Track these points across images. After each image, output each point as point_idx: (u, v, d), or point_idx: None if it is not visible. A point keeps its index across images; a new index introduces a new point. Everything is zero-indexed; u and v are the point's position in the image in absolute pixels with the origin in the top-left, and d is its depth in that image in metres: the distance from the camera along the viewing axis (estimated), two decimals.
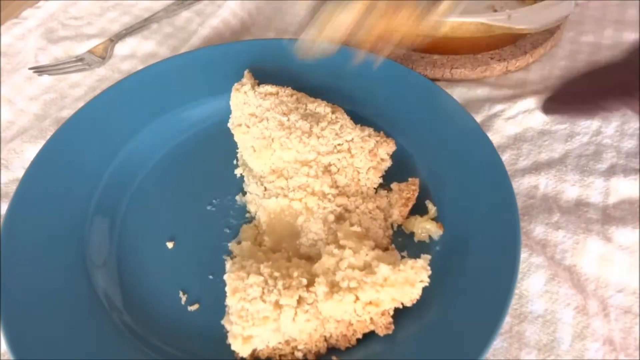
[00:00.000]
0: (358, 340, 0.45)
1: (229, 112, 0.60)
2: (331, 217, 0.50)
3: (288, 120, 0.55)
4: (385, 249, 0.50)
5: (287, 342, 0.44)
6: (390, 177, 0.55)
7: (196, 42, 0.75)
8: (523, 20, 0.61)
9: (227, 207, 0.55)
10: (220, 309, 0.47)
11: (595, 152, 0.62)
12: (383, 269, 0.43)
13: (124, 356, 0.44)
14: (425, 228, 0.51)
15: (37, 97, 0.70)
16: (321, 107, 0.57)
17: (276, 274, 0.45)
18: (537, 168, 0.60)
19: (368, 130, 0.55)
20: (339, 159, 0.53)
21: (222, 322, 0.45)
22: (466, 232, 0.49)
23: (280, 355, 0.44)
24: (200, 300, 0.49)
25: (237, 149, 0.59)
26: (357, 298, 0.43)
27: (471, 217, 0.50)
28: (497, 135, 0.63)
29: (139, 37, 0.77)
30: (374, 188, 0.54)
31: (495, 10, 0.75)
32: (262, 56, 0.65)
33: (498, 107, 0.66)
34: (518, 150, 0.62)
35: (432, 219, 0.52)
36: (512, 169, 0.60)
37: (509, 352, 0.46)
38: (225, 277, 0.45)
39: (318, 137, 0.54)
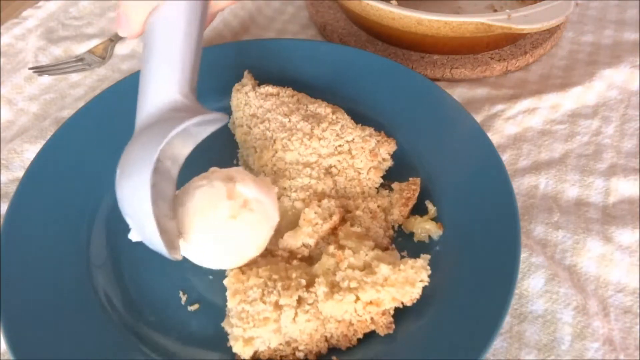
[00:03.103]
0: (359, 340, 0.45)
1: (229, 112, 0.60)
2: (335, 218, 0.50)
3: (289, 121, 0.55)
4: (386, 249, 0.50)
5: (288, 343, 0.44)
6: (391, 177, 0.55)
7: None
8: (523, 20, 0.61)
9: None
10: (220, 309, 0.47)
11: (595, 152, 0.62)
12: (383, 269, 0.43)
13: (124, 356, 0.44)
14: (425, 228, 0.51)
15: (37, 97, 0.70)
16: (322, 108, 0.57)
17: (275, 276, 0.45)
18: (537, 168, 0.60)
19: (369, 130, 0.56)
20: (339, 161, 0.54)
21: (223, 324, 0.45)
22: (466, 232, 0.49)
23: (281, 356, 0.44)
24: (200, 301, 0.49)
25: (238, 149, 0.59)
26: (358, 298, 0.43)
27: (471, 217, 0.50)
28: (497, 135, 0.63)
29: (139, 37, 0.77)
30: (375, 188, 0.54)
31: (495, 10, 0.76)
32: (262, 56, 0.65)
33: (498, 107, 0.66)
34: (518, 150, 0.62)
35: (432, 219, 0.52)
36: (512, 169, 0.60)
37: (509, 352, 0.46)
38: (225, 281, 0.45)
39: (319, 139, 0.54)
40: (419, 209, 0.53)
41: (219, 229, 0.44)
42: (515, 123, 0.64)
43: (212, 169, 0.48)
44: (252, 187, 0.45)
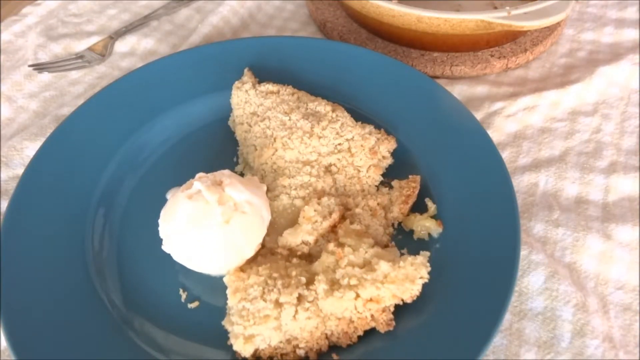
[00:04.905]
0: (359, 337, 0.45)
1: (229, 109, 0.60)
2: (335, 216, 0.50)
3: (289, 119, 0.55)
4: (385, 247, 0.50)
5: (289, 341, 0.44)
6: (391, 175, 0.55)
7: (196, 39, 0.75)
8: (523, 18, 0.61)
9: None
10: (220, 307, 0.47)
11: (595, 150, 0.62)
12: (383, 266, 0.43)
13: (124, 355, 0.44)
14: (425, 226, 0.51)
15: (36, 94, 0.69)
16: (321, 106, 0.57)
17: (275, 274, 0.45)
18: (537, 165, 0.60)
19: (369, 128, 0.56)
20: (339, 159, 0.54)
21: (223, 322, 0.45)
22: (466, 229, 0.49)
23: (281, 354, 0.44)
24: (200, 298, 0.49)
25: (238, 146, 0.59)
26: (358, 295, 0.43)
27: (471, 215, 0.50)
28: (497, 132, 0.63)
29: (139, 35, 0.77)
30: (375, 185, 0.54)
31: (495, 8, 0.75)
32: (262, 54, 0.64)
33: (498, 105, 0.66)
34: (518, 147, 0.62)
35: (432, 217, 0.52)
36: (512, 167, 0.60)
37: (509, 350, 0.46)
38: (225, 279, 0.46)
39: (319, 138, 0.54)
40: (418, 207, 0.53)
41: (214, 236, 0.45)
42: (515, 120, 0.64)
43: (199, 174, 0.48)
44: (241, 189, 0.46)
